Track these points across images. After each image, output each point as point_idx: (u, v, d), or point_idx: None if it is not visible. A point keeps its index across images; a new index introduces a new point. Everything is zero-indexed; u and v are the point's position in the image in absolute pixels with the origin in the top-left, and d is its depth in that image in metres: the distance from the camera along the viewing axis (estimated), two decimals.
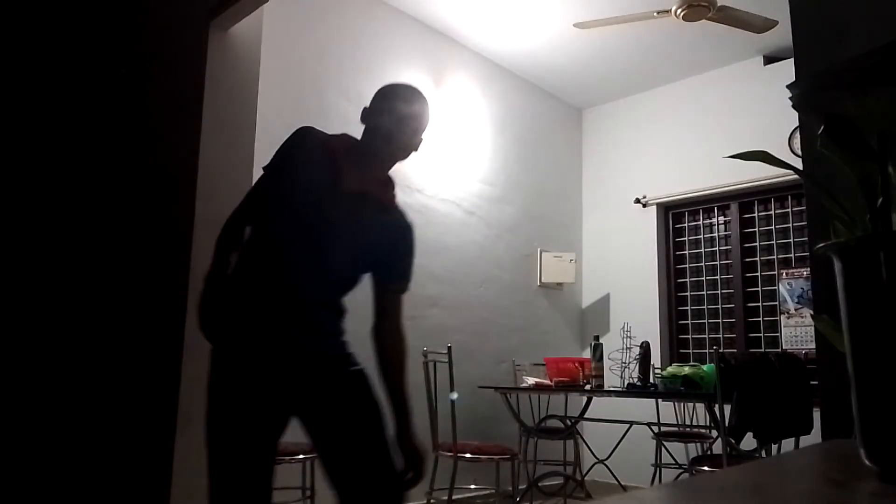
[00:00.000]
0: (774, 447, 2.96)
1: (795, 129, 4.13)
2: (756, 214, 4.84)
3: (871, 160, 0.55)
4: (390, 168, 1.75)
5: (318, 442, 1.66)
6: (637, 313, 4.98)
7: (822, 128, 0.57)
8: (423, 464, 1.75)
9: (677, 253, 5.22)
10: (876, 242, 0.53)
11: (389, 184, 1.77)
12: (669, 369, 3.38)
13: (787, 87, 0.62)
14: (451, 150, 4.53)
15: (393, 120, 1.68)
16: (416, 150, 1.75)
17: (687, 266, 5.16)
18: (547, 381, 3.83)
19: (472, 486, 3.96)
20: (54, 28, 2.24)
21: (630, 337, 3.90)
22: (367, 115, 1.72)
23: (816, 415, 2.95)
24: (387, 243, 1.75)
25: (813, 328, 3.56)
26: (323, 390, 1.66)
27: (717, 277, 4.97)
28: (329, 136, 1.73)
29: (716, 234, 5.05)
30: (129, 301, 2.21)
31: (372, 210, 1.71)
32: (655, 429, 4.13)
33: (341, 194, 1.65)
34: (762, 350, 4.57)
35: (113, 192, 2.28)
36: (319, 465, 1.69)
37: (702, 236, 5.12)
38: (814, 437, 2.90)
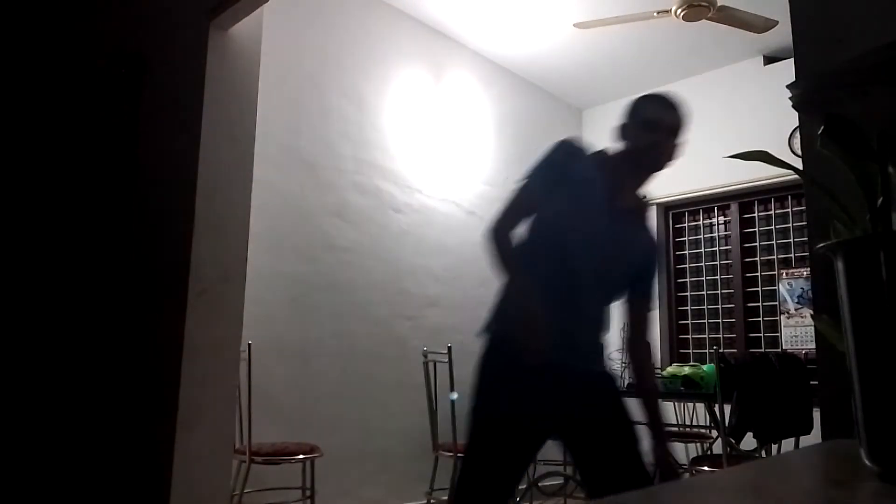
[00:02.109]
0: (774, 447, 2.96)
1: (795, 129, 4.12)
2: (756, 214, 4.84)
3: (871, 160, 0.55)
4: (645, 183, 1.72)
5: (585, 460, 1.65)
6: None
7: (822, 128, 0.57)
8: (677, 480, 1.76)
9: (677, 253, 5.22)
10: (876, 242, 0.53)
11: (645, 199, 1.76)
12: (669, 369, 3.38)
13: (787, 87, 0.62)
14: (452, 151, 4.53)
15: (662, 135, 1.65)
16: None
17: (687, 266, 5.15)
18: None
19: None
20: (55, 29, 2.23)
21: None
22: (628, 131, 1.70)
23: (816, 415, 2.95)
24: (645, 260, 1.76)
25: (813, 328, 3.56)
26: (594, 410, 1.65)
27: (717, 277, 4.97)
28: (593, 152, 1.72)
29: (716, 234, 5.04)
30: (129, 301, 2.21)
31: (636, 227, 1.73)
32: None
33: (616, 211, 1.65)
34: (762, 350, 4.56)
35: (113, 191, 2.28)
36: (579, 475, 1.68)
37: (702, 236, 5.12)
38: (814, 437, 2.90)
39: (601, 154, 1.73)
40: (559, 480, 4.23)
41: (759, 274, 4.75)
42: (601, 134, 5.62)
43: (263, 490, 3.03)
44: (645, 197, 1.76)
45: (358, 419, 3.65)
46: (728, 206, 4.97)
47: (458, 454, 3.33)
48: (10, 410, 1.98)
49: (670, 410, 4.31)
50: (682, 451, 4.23)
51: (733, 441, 2.83)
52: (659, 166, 1.66)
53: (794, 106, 0.62)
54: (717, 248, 5.02)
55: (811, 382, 3.06)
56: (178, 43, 2.38)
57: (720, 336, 4.87)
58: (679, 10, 3.67)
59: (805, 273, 4.38)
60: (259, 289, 3.17)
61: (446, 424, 3.35)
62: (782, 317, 4.50)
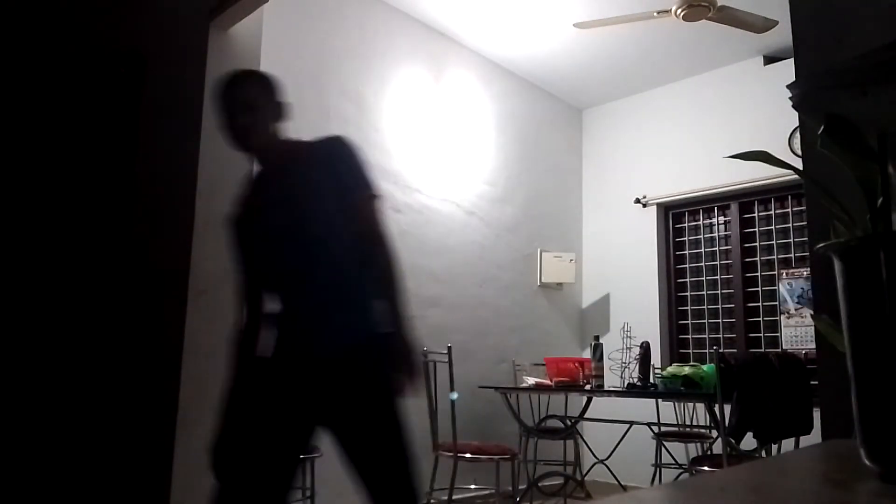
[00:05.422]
0: (774, 447, 2.96)
1: (795, 129, 4.13)
2: (756, 214, 4.84)
3: (871, 160, 0.55)
4: (260, 139, 1.72)
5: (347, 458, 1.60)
6: (637, 313, 4.98)
7: (822, 128, 0.57)
8: (410, 359, 1.56)
9: (677, 253, 5.22)
10: (876, 242, 0.53)
11: (274, 141, 1.75)
12: (669, 369, 3.38)
13: (787, 87, 0.62)
14: (452, 151, 4.53)
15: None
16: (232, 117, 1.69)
17: (687, 266, 5.15)
18: (547, 381, 3.82)
19: (472, 486, 3.96)
20: (55, 28, 2.23)
21: (630, 337, 3.90)
22: None
23: (816, 415, 2.94)
24: (317, 184, 1.63)
25: (813, 328, 3.56)
26: (344, 396, 1.58)
27: (717, 277, 4.97)
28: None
29: (716, 234, 5.04)
30: (129, 301, 2.21)
31: (285, 177, 1.68)
32: (655, 429, 4.13)
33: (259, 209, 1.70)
34: (762, 350, 4.56)
35: (113, 192, 2.28)
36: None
37: (702, 236, 5.12)
38: (814, 437, 2.90)
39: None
40: (559, 480, 4.23)
41: (759, 274, 4.75)
42: (601, 134, 5.64)
43: None
44: (271, 137, 1.73)
45: None
46: (728, 207, 4.97)
47: (458, 454, 3.33)
48: (10, 410, 1.98)
49: (670, 410, 4.31)
50: (683, 451, 4.24)
51: (733, 441, 2.83)
52: (243, 137, 1.70)
53: (794, 106, 0.62)
54: (717, 249, 5.02)
55: (811, 382, 3.06)
56: (178, 43, 2.38)
57: (720, 336, 4.87)
58: (679, 10, 3.67)
59: (805, 273, 4.38)
60: None
61: (446, 424, 3.35)
62: (782, 317, 4.50)
